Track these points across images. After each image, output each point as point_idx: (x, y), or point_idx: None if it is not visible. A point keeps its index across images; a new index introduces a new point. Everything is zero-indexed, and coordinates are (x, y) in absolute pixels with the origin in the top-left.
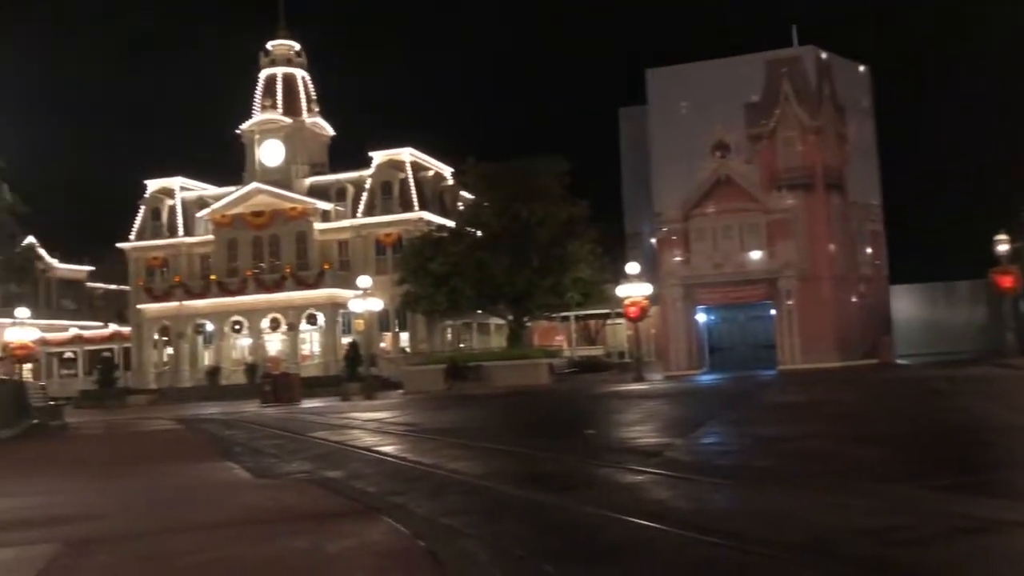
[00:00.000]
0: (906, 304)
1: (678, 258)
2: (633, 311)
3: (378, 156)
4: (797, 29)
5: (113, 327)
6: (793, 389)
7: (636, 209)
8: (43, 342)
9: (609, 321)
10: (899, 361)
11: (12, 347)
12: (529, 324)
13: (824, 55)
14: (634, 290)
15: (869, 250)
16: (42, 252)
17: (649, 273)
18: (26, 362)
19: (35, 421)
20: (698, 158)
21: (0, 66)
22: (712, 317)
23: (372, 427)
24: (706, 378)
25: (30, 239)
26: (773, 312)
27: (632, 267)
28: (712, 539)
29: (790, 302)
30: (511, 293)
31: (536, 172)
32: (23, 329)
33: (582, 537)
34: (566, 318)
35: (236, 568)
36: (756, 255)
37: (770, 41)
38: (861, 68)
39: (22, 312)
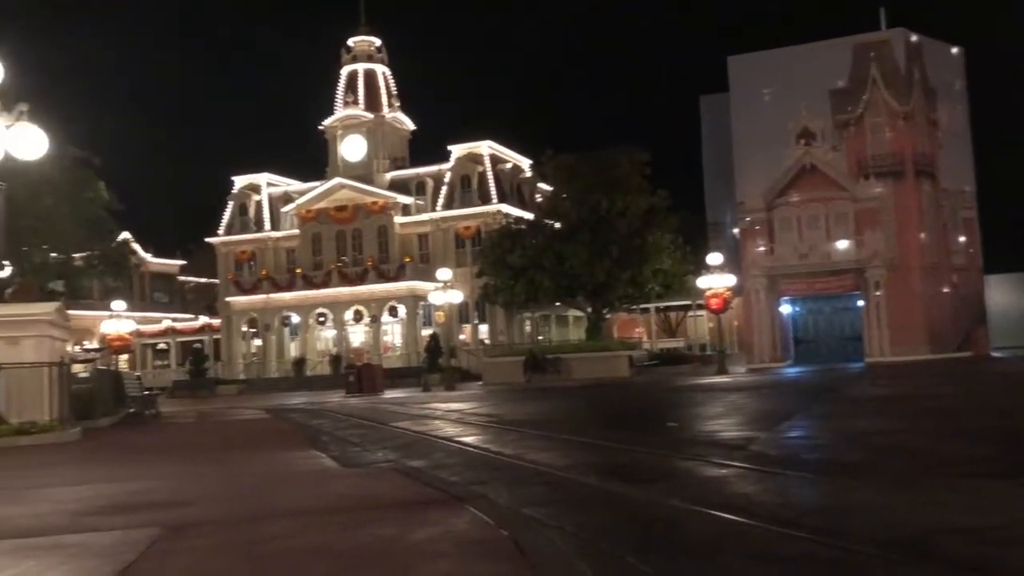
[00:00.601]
0: (1002, 294)
1: (761, 248)
2: (715, 303)
3: (457, 150)
4: (885, 12)
5: (203, 319)
6: (882, 382)
7: (718, 199)
8: (138, 334)
9: (690, 313)
10: (995, 354)
11: (110, 338)
12: (608, 316)
13: (914, 38)
14: (716, 281)
15: (962, 239)
16: (136, 247)
17: (732, 264)
18: (122, 353)
19: (131, 410)
20: (782, 146)
21: (94, 68)
22: (797, 308)
23: (453, 418)
24: (791, 371)
25: (125, 235)
26: (861, 303)
27: (714, 258)
28: (802, 535)
29: (878, 293)
30: (590, 285)
31: (615, 162)
32: (120, 321)
33: (666, 530)
34: (646, 310)
35: (326, 554)
36: (843, 245)
37: (857, 25)
38: (954, 50)
39: (119, 305)
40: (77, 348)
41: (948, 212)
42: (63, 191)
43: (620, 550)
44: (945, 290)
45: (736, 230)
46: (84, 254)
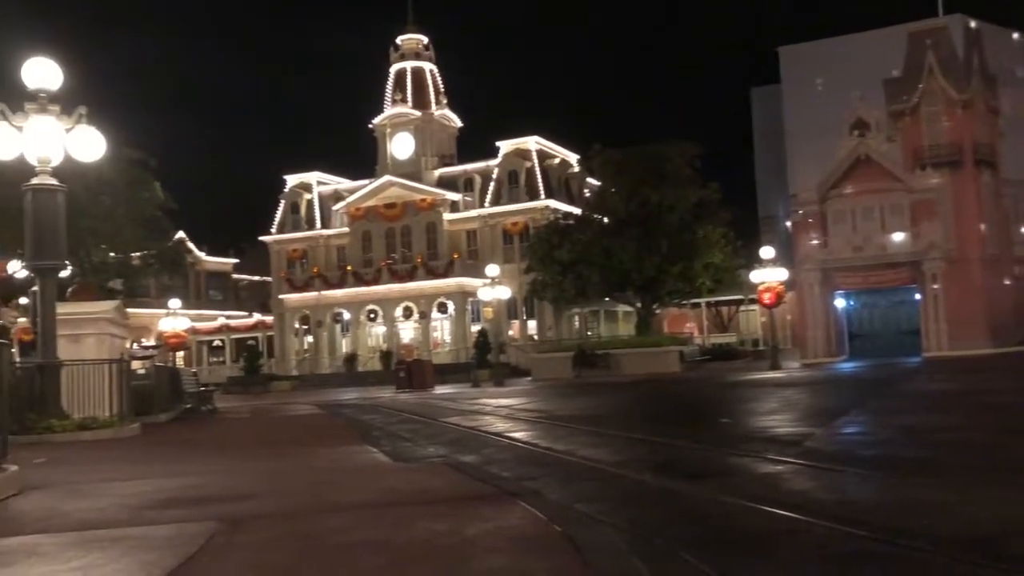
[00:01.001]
0: None
1: (815, 241)
2: (768, 297)
3: (504, 146)
4: None
5: (257, 316)
6: (941, 377)
7: (770, 192)
8: (193, 331)
9: (742, 307)
10: None
11: (166, 336)
12: (658, 311)
13: (973, 23)
14: (769, 275)
15: None
16: (191, 246)
17: (784, 257)
18: (179, 350)
19: (188, 405)
20: (835, 137)
21: (145, 70)
22: (852, 302)
23: (503, 413)
24: (846, 366)
25: (180, 234)
26: (918, 296)
27: (766, 251)
28: (862, 532)
29: (936, 286)
30: (639, 279)
31: (665, 156)
32: (176, 319)
33: (721, 526)
34: (697, 305)
35: (382, 549)
36: (899, 237)
37: (912, 12)
38: (1015, 35)
39: (174, 303)
40: (135, 346)
41: (1010, 202)
42: (120, 192)
43: (675, 546)
44: (1007, 282)
45: (789, 223)
46: (141, 253)
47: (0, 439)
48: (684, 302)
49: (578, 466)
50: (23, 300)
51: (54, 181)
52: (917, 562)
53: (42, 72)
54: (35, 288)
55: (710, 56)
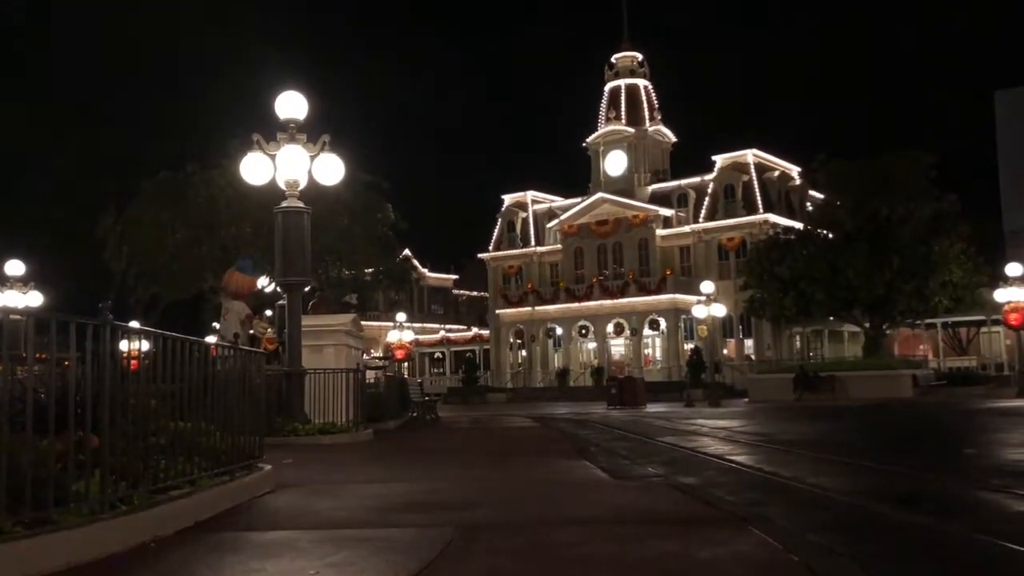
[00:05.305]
0: None
1: None
2: (1015, 318)
3: (720, 159)
4: None
5: (475, 330)
6: None
7: (1017, 203)
8: (417, 343)
9: (984, 329)
10: None
11: (393, 347)
12: (888, 332)
13: None
14: (1016, 294)
15: None
16: (416, 263)
17: None
18: (404, 361)
19: (414, 414)
20: None
21: (375, 97)
22: None
23: (721, 435)
24: None
25: (406, 252)
26: None
27: (1014, 268)
28: None
29: None
30: (868, 298)
31: (895, 167)
32: (402, 331)
33: (975, 568)
34: (932, 325)
35: (615, 565)
36: None
37: None
38: None
39: (401, 316)
40: (365, 356)
41: None
42: (356, 213)
43: None
44: None
45: None
46: (371, 270)
47: (257, 441)
48: (917, 322)
49: (807, 493)
50: (268, 312)
51: (301, 204)
52: None
53: (291, 104)
54: (282, 302)
55: (941, 59)
